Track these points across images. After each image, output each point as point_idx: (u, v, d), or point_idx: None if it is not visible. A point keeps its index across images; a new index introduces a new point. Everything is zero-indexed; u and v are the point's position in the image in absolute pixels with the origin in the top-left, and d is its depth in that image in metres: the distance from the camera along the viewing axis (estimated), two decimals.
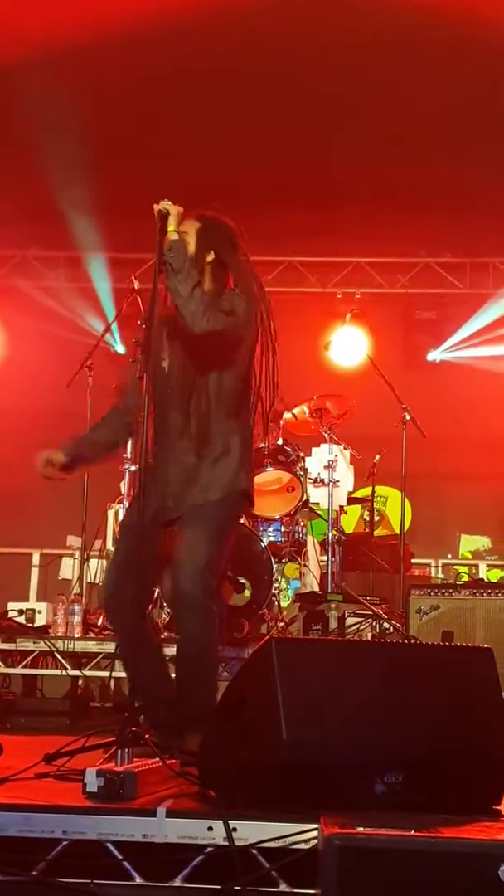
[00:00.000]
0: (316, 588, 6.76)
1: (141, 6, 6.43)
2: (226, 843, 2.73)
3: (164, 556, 4.08)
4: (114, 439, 4.38)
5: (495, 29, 6.56)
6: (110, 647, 5.93)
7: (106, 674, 6.10)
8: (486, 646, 3.49)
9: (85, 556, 7.43)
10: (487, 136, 7.71)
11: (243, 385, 4.15)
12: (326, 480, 6.84)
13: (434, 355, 10.00)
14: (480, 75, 7.09)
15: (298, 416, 7.35)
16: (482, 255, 9.72)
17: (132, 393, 4.20)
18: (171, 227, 3.93)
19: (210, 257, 4.09)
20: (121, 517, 4.50)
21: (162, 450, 4.06)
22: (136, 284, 7.18)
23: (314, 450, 7.06)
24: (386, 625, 6.21)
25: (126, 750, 3.12)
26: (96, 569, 7.43)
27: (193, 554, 3.93)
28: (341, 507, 7.30)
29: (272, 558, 6.37)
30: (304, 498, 7.00)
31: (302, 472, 7.00)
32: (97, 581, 7.41)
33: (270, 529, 7.01)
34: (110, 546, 7.41)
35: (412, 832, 2.43)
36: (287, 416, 7.32)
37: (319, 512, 7.10)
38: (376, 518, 8.35)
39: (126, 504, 4.18)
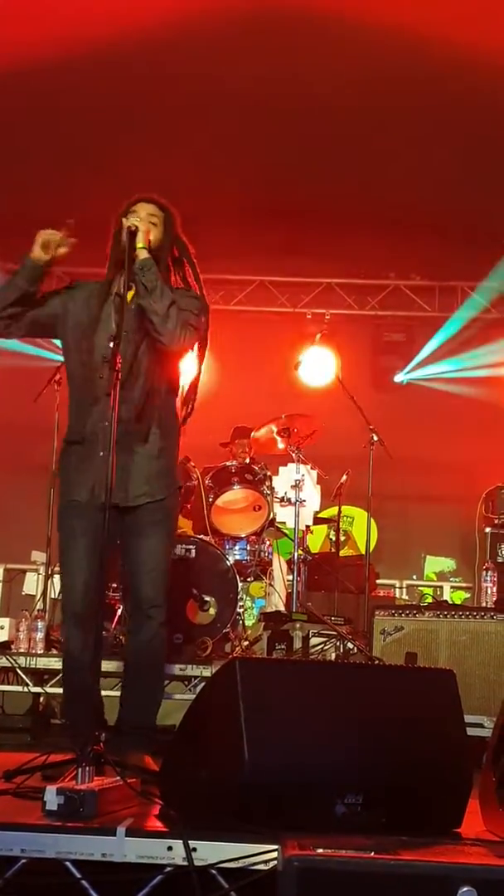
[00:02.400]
0: (281, 607, 6.76)
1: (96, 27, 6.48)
2: (185, 863, 2.71)
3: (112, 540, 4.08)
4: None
5: (467, 53, 6.63)
6: None
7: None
8: (448, 668, 3.50)
9: (49, 572, 7.37)
10: (457, 162, 7.78)
11: (178, 384, 4.25)
12: (293, 500, 6.84)
13: (399, 377, 10.06)
14: (451, 103, 7.16)
15: (265, 436, 7.35)
16: (450, 279, 9.79)
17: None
18: (140, 244, 3.96)
19: (167, 248, 4.14)
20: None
21: (107, 441, 3.99)
22: None
23: (281, 469, 7.07)
24: (350, 645, 6.22)
25: (87, 768, 3.10)
26: (59, 585, 7.38)
27: (158, 561, 4.05)
28: (307, 526, 7.31)
29: (237, 577, 6.36)
30: (271, 517, 7.01)
31: (269, 492, 7.00)
32: (59, 597, 7.36)
33: (236, 548, 7.01)
34: None
35: (372, 854, 2.43)
36: (255, 434, 7.34)
37: (286, 531, 7.11)
38: (342, 538, 8.37)
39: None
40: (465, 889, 2.32)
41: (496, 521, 7.59)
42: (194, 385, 4.31)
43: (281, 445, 7.18)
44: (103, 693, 4.18)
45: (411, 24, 6.50)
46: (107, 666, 5.31)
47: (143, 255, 3.95)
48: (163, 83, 7.08)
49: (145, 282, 3.92)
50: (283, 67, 7.00)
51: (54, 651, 6.18)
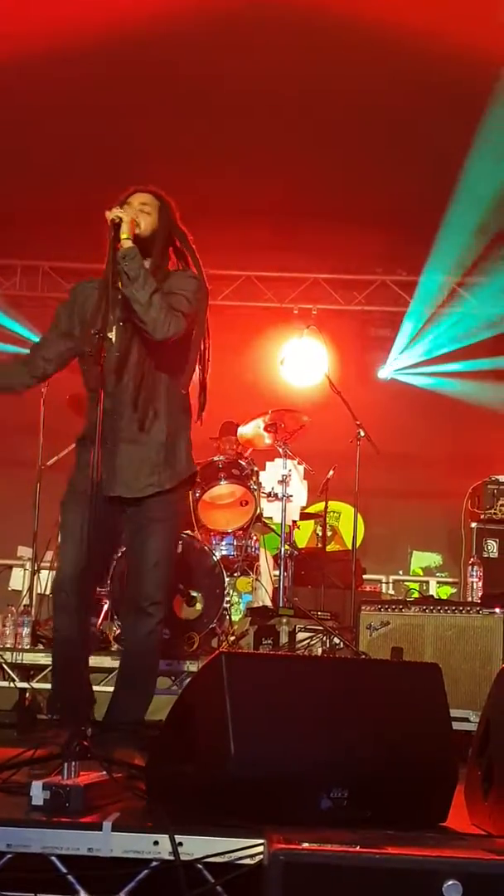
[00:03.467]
0: (268, 602, 6.77)
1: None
2: (171, 858, 2.72)
3: (114, 537, 4.11)
4: (7, 383, 4.30)
5: (457, 52, 6.64)
6: None
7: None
8: (433, 662, 3.51)
9: (36, 567, 7.36)
10: (443, 158, 7.79)
11: (187, 372, 4.22)
12: (280, 495, 6.85)
13: (383, 372, 10.08)
14: (437, 99, 7.17)
15: (252, 432, 7.35)
16: (444, 276, 9.80)
17: (45, 346, 4.22)
18: (125, 234, 3.95)
19: (164, 235, 4.15)
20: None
21: (110, 432, 3.98)
22: None
23: (268, 464, 7.07)
24: (336, 640, 6.23)
25: (73, 763, 3.09)
26: (47, 580, 7.37)
27: (159, 558, 4.03)
28: (294, 521, 7.31)
29: (224, 572, 6.36)
30: (258, 512, 7.01)
31: (256, 487, 7.01)
32: (47, 592, 7.35)
33: (223, 543, 7.02)
34: None
35: (357, 848, 2.44)
36: (242, 430, 7.33)
37: (272, 526, 7.11)
38: (329, 533, 8.37)
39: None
40: (450, 882, 2.33)
41: (482, 517, 7.61)
42: (202, 376, 4.28)
43: (268, 441, 7.18)
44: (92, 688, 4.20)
45: (406, 23, 6.50)
46: (94, 661, 5.31)
47: (126, 244, 3.94)
48: (152, 80, 7.06)
49: (128, 270, 3.92)
50: (271, 63, 7.00)
51: (41, 646, 6.18)
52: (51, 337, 4.26)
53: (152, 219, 4.11)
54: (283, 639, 6.23)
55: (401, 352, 10.00)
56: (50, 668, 5.94)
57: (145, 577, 4.01)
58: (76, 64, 6.87)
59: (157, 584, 4.02)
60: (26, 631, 6.27)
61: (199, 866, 2.73)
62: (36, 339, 4.69)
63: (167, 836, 2.73)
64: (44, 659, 5.97)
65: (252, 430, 7.32)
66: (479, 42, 6.52)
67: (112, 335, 4.00)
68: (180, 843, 2.72)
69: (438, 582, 9.06)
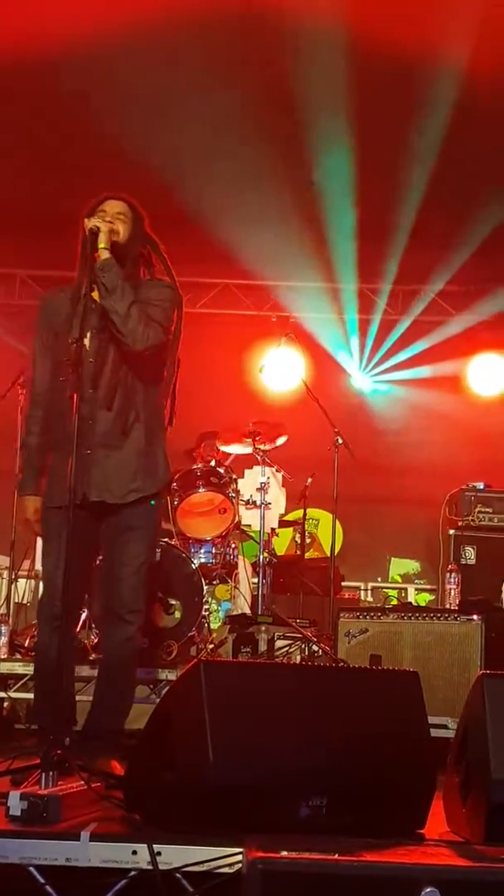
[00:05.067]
0: (247, 610, 6.76)
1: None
2: (150, 867, 2.72)
3: (93, 547, 4.10)
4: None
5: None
6: None
7: (32, 695, 6.02)
8: (412, 669, 3.52)
9: (13, 576, 7.34)
10: (420, 166, 7.83)
11: (163, 379, 4.21)
12: (258, 503, 6.85)
13: (359, 381, 10.10)
14: (415, 108, 7.21)
15: (232, 438, 7.35)
16: (413, 283, 9.84)
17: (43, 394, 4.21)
18: (102, 244, 3.95)
19: (137, 243, 4.15)
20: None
21: (88, 439, 3.97)
22: None
23: (247, 472, 7.08)
24: (315, 648, 6.23)
25: (50, 773, 3.08)
26: (24, 589, 7.35)
27: (138, 566, 4.04)
28: (273, 529, 7.32)
29: (203, 580, 6.35)
30: (236, 520, 7.01)
31: (234, 494, 7.01)
32: (25, 601, 7.33)
33: (202, 551, 7.00)
34: (39, 566, 7.33)
35: (336, 856, 2.44)
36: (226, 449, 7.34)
37: (251, 534, 7.11)
38: (307, 541, 8.39)
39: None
40: (427, 890, 2.33)
41: (460, 524, 7.62)
42: (173, 383, 4.26)
43: (248, 449, 7.19)
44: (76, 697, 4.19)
45: (389, 29, 6.54)
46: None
47: (104, 255, 3.95)
48: (124, 87, 7.06)
49: (105, 282, 3.93)
50: (251, 69, 7.01)
51: (18, 656, 6.15)
52: (40, 352, 4.23)
53: (127, 227, 4.10)
54: (262, 647, 6.23)
55: (375, 359, 10.02)
56: (28, 677, 5.93)
57: (123, 585, 4.01)
58: (52, 69, 6.86)
59: (135, 592, 4.03)
60: (3, 640, 6.24)
61: (178, 875, 2.73)
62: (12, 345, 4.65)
63: (145, 845, 2.74)
64: (21, 668, 5.94)
65: (234, 445, 7.31)
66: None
67: (87, 342, 4.00)
68: (159, 853, 2.72)
69: (417, 589, 9.08)
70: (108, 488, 4.00)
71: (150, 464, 4.10)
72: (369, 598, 9.05)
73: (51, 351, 4.17)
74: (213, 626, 6.87)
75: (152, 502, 4.13)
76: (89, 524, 4.02)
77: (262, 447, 6.96)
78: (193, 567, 6.34)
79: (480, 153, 7.60)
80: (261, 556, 6.79)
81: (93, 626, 5.94)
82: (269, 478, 6.91)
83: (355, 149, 7.71)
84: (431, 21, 6.48)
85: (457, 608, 5.91)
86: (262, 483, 6.86)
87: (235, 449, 7.28)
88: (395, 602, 8.23)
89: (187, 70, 6.95)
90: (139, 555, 4.05)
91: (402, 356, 9.89)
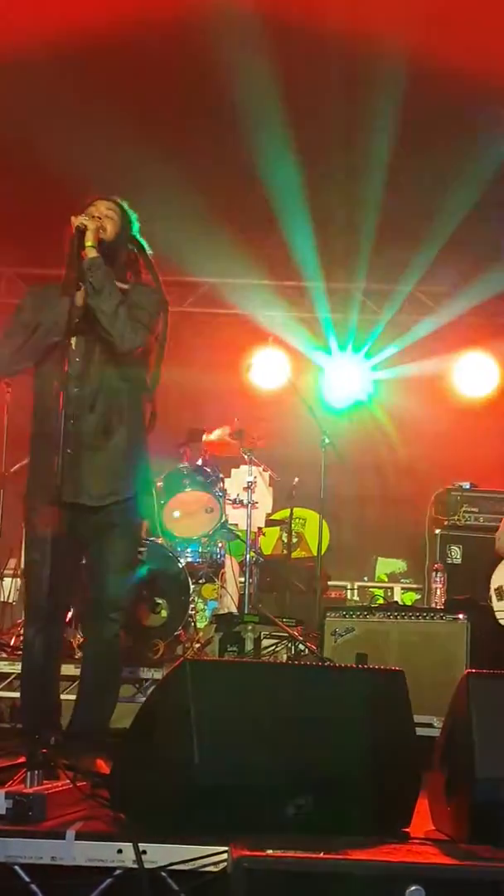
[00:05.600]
0: (233, 609, 6.77)
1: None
2: (135, 866, 2.71)
3: (77, 547, 4.08)
4: None
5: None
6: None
7: (17, 694, 6.01)
8: (398, 668, 3.53)
9: None
10: (408, 167, 7.84)
11: (147, 382, 4.21)
12: (245, 502, 6.85)
13: (345, 380, 10.10)
14: (388, 105, 7.22)
15: (218, 439, 7.35)
16: (399, 282, 9.84)
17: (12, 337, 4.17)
18: (89, 242, 3.95)
19: (125, 243, 4.17)
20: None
21: (72, 438, 3.94)
22: None
23: (234, 471, 7.08)
24: (301, 647, 6.24)
25: (36, 772, 3.08)
26: (10, 588, 7.33)
27: (123, 563, 4.06)
28: (259, 528, 7.32)
29: (189, 579, 6.35)
30: (223, 519, 7.01)
31: (221, 494, 7.01)
32: (11, 600, 7.31)
33: (188, 550, 6.99)
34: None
35: (321, 854, 2.45)
36: (209, 436, 7.33)
37: (238, 533, 7.12)
38: (294, 540, 8.39)
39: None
40: (413, 888, 2.34)
41: (446, 523, 7.65)
42: (156, 387, 4.27)
43: (231, 440, 7.18)
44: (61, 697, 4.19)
45: (371, 27, 6.54)
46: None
47: (91, 253, 3.95)
48: (110, 83, 7.05)
49: (93, 281, 3.93)
50: (230, 66, 7.00)
51: (3, 655, 6.13)
52: (16, 329, 4.18)
53: (116, 225, 4.10)
54: (249, 645, 6.24)
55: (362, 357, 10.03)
56: (13, 676, 5.92)
57: (107, 583, 4.00)
58: (38, 69, 6.85)
59: (119, 590, 4.02)
60: None
61: (164, 874, 2.73)
62: None
63: (131, 844, 2.73)
64: (7, 667, 5.93)
65: (218, 437, 7.31)
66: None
67: (73, 343, 3.99)
68: (144, 851, 2.72)
69: (403, 588, 9.08)
70: (87, 491, 3.99)
71: (131, 465, 4.09)
72: (356, 598, 9.05)
73: (25, 336, 4.12)
74: (200, 625, 6.87)
75: (134, 501, 4.12)
76: (74, 524, 4.02)
77: (248, 451, 6.95)
78: (180, 566, 6.34)
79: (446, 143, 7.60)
80: (247, 556, 6.79)
81: (78, 625, 5.93)
82: (255, 477, 6.91)
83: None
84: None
85: (442, 607, 5.94)
86: (248, 482, 6.86)
87: (217, 434, 7.24)
88: (381, 601, 8.24)
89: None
90: (121, 553, 4.05)
91: (389, 355, 9.88)
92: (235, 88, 6.99)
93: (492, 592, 6.41)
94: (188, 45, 6.77)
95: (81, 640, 5.75)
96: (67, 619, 5.95)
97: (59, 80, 7.04)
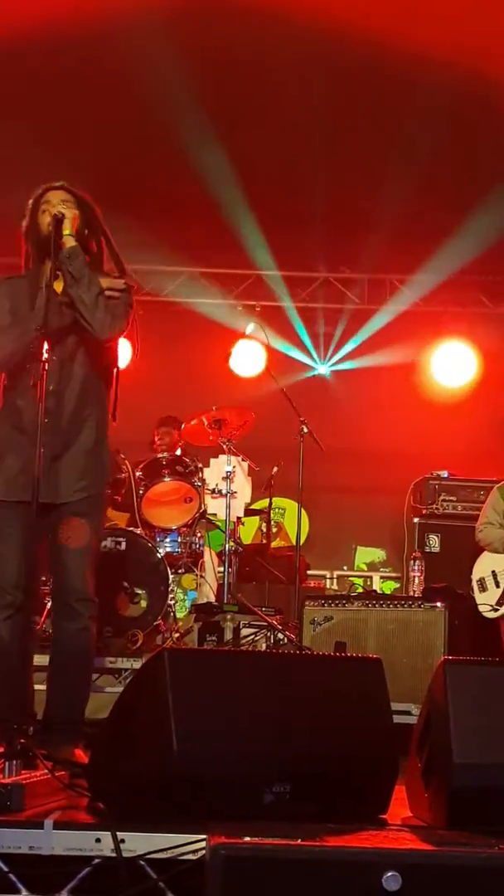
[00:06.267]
0: (213, 599, 6.77)
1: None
2: (114, 855, 2.72)
3: (40, 538, 4.06)
4: None
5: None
6: None
7: None
8: (375, 656, 3.55)
9: None
10: (384, 157, 7.84)
11: (112, 375, 4.19)
12: (224, 492, 6.85)
13: (322, 369, 10.13)
14: (379, 99, 7.21)
15: (196, 427, 7.34)
16: (378, 272, 9.86)
17: None
18: (67, 230, 3.92)
19: (85, 233, 4.10)
20: None
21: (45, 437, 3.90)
22: None
23: (212, 461, 7.07)
24: (280, 636, 6.25)
25: (14, 762, 3.08)
26: None
27: (86, 554, 4.00)
28: (239, 518, 7.33)
29: (168, 569, 6.36)
30: (202, 509, 7.01)
31: (200, 483, 7.01)
32: None
33: (167, 540, 7.00)
34: None
35: (298, 841, 2.46)
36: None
37: (217, 523, 7.12)
38: (274, 529, 8.41)
39: None
40: (389, 874, 2.35)
41: (424, 511, 7.68)
42: (117, 376, 4.24)
43: (212, 437, 7.18)
44: (34, 686, 4.17)
45: (369, 20, 6.52)
46: (38, 660, 5.27)
47: (70, 242, 3.92)
48: (93, 72, 7.02)
49: (73, 270, 3.90)
50: (216, 59, 6.98)
51: None
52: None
53: (74, 216, 4.05)
54: (228, 635, 6.25)
55: (341, 347, 10.06)
56: None
57: (72, 573, 3.96)
58: (21, 57, 6.81)
59: (82, 578, 3.96)
60: None
61: (142, 863, 2.73)
62: None
63: (109, 833, 2.74)
64: None
65: (196, 426, 7.30)
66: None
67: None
68: (122, 840, 2.73)
69: (382, 577, 9.12)
70: (56, 489, 3.96)
71: (96, 463, 4.07)
72: (335, 587, 9.08)
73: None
74: (179, 615, 6.87)
75: (99, 497, 4.12)
76: (39, 519, 4.00)
77: (227, 441, 6.95)
78: (159, 556, 6.35)
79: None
80: (227, 545, 6.79)
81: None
82: (234, 467, 6.91)
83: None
84: None
85: (420, 595, 5.96)
86: (227, 472, 6.86)
87: (195, 425, 7.21)
88: (360, 590, 8.26)
89: None
90: (86, 543, 4.01)
91: (367, 344, 9.90)
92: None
93: (473, 584, 6.43)
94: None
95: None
96: (46, 610, 5.96)
97: None
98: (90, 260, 4.13)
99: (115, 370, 4.20)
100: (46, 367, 3.72)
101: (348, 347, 10.04)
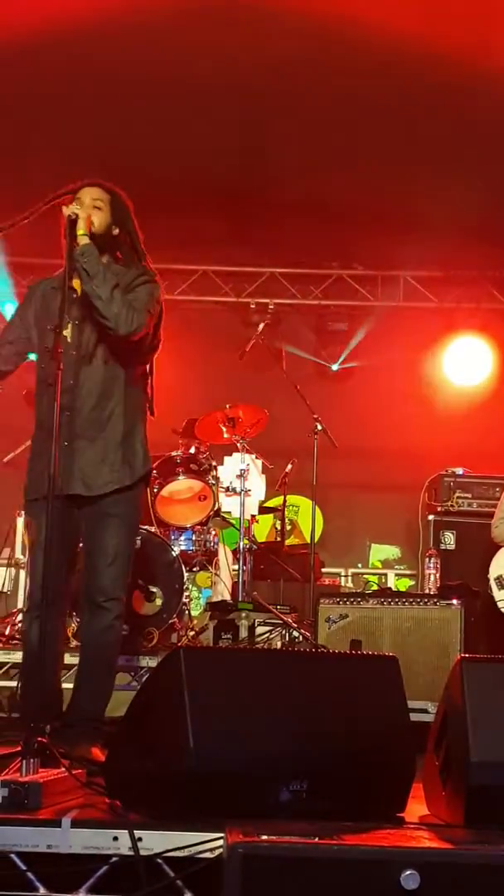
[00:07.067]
0: (227, 597, 6.77)
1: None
2: (131, 853, 2.72)
3: (74, 536, 4.09)
4: None
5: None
6: (18, 656, 5.85)
7: (14, 683, 6.02)
8: (392, 654, 3.54)
9: None
10: (396, 152, 7.82)
11: (143, 369, 4.22)
12: (238, 489, 6.85)
13: (335, 366, 10.11)
14: (390, 91, 7.19)
15: (210, 425, 7.33)
16: (392, 269, 9.85)
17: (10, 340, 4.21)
18: (81, 230, 3.96)
19: (115, 231, 4.12)
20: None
21: (67, 429, 3.98)
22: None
23: (226, 459, 7.07)
24: (295, 633, 6.25)
25: (31, 760, 3.09)
26: (4, 577, 7.34)
27: (116, 553, 4.02)
28: (253, 516, 7.32)
29: (183, 567, 6.36)
30: (216, 507, 7.01)
31: (214, 481, 7.00)
32: (5, 590, 7.31)
33: (182, 538, 7.00)
34: (19, 554, 7.33)
35: (315, 840, 2.45)
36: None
37: (231, 521, 7.12)
38: (288, 527, 8.40)
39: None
40: (407, 872, 2.35)
41: (439, 509, 7.67)
42: (153, 372, 4.28)
43: (226, 435, 7.18)
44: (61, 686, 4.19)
45: (365, 13, 6.51)
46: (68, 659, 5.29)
47: (83, 241, 3.95)
48: (96, 68, 7.02)
49: (87, 267, 3.93)
50: (221, 51, 6.97)
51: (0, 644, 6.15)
52: (14, 332, 4.24)
53: (105, 214, 4.10)
54: (243, 633, 6.24)
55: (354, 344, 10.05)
56: (9, 665, 5.93)
57: (102, 573, 4.01)
58: (25, 55, 6.82)
59: (114, 580, 4.02)
60: None
61: (159, 861, 2.73)
62: None
63: (126, 831, 2.74)
64: (3, 657, 5.94)
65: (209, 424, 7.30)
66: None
67: (68, 332, 3.99)
68: (140, 839, 2.73)
69: (397, 574, 9.11)
70: (84, 481, 3.99)
71: (127, 455, 4.09)
72: (349, 584, 9.07)
73: (27, 341, 4.18)
74: (194, 612, 6.88)
75: (132, 491, 4.12)
76: (69, 514, 4.02)
77: (240, 439, 6.94)
78: (174, 554, 6.35)
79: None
80: (241, 543, 6.79)
81: (73, 613, 5.93)
82: (248, 465, 6.90)
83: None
84: None
85: (436, 593, 5.95)
86: (241, 470, 6.85)
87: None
88: (374, 588, 8.25)
89: None
90: (118, 543, 4.05)
91: (380, 341, 9.88)
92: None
93: (491, 582, 6.42)
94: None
95: (76, 628, 5.76)
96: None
97: None
98: (121, 256, 4.16)
99: (147, 365, 4.22)
100: (62, 366, 3.76)
101: (362, 344, 10.01)
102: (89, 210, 4.04)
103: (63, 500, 3.91)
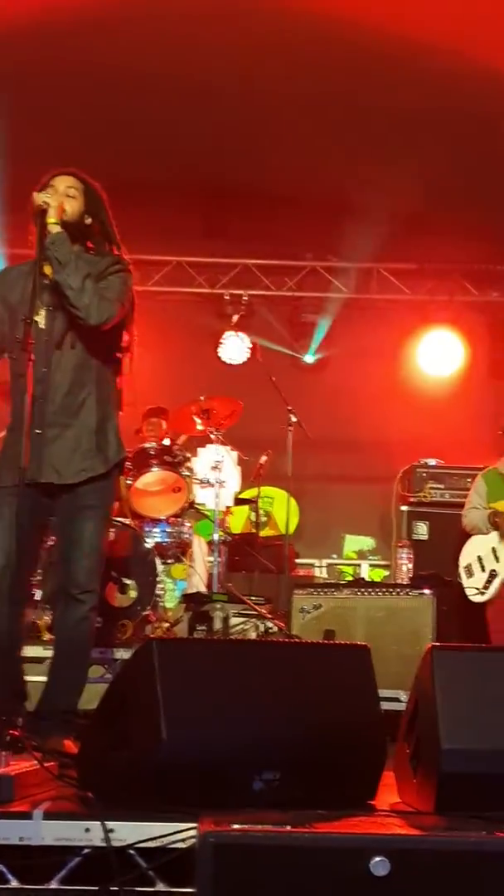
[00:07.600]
0: (203, 589, 6.78)
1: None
2: (103, 845, 2.72)
3: (43, 527, 4.08)
4: None
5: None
6: None
7: None
8: (364, 644, 3.55)
9: None
10: (374, 146, 7.83)
11: (116, 358, 4.21)
12: (213, 481, 6.85)
13: (309, 358, 10.12)
14: (366, 88, 7.20)
15: (184, 417, 7.33)
16: (366, 261, 9.87)
17: None
18: (52, 219, 3.94)
19: (88, 220, 4.11)
20: None
21: (39, 418, 3.97)
22: None
23: (200, 451, 7.07)
24: (270, 624, 6.27)
25: (2, 753, 3.08)
26: None
27: (91, 545, 4.01)
28: (228, 507, 7.33)
29: (157, 559, 6.36)
30: (191, 499, 7.00)
31: (188, 473, 7.00)
32: None
33: (156, 530, 6.99)
34: None
35: (287, 828, 2.47)
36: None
37: (206, 512, 7.12)
38: (263, 519, 8.41)
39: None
40: (377, 859, 2.36)
41: (412, 500, 7.70)
42: (127, 362, 4.26)
43: (200, 427, 7.18)
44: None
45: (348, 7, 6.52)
46: (26, 651, 5.28)
47: (54, 230, 3.94)
48: (72, 60, 7.00)
49: (58, 256, 3.92)
50: (197, 45, 6.97)
51: None
52: None
53: (78, 203, 4.09)
54: (217, 624, 6.26)
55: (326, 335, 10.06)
56: None
57: (76, 565, 3.99)
58: (12, 45, 6.79)
59: (89, 572, 4.01)
60: None
61: (132, 852, 2.74)
62: None
63: (98, 822, 2.74)
64: None
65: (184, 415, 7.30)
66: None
67: (40, 320, 3.98)
68: (112, 830, 2.73)
69: (371, 565, 9.14)
70: (57, 469, 3.98)
71: (101, 443, 4.08)
72: (324, 575, 9.10)
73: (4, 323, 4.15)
74: (169, 605, 6.87)
75: (106, 480, 4.12)
76: (42, 504, 4.01)
77: (215, 430, 6.95)
78: (148, 546, 6.35)
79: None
80: (215, 535, 6.79)
81: (47, 606, 5.93)
82: (223, 456, 6.90)
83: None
84: None
85: (408, 583, 5.98)
86: (216, 461, 6.86)
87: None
88: (349, 578, 8.28)
89: None
90: (92, 535, 4.03)
91: (354, 333, 9.89)
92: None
93: (461, 570, 6.45)
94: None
95: (49, 621, 5.76)
96: (34, 601, 5.97)
97: None
98: (93, 246, 4.15)
99: (120, 355, 4.22)
100: (33, 356, 3.75)
101: (336, 336, 10.01)
102: (62, 198, 4.03)
103: (37, 490, 3.90)
